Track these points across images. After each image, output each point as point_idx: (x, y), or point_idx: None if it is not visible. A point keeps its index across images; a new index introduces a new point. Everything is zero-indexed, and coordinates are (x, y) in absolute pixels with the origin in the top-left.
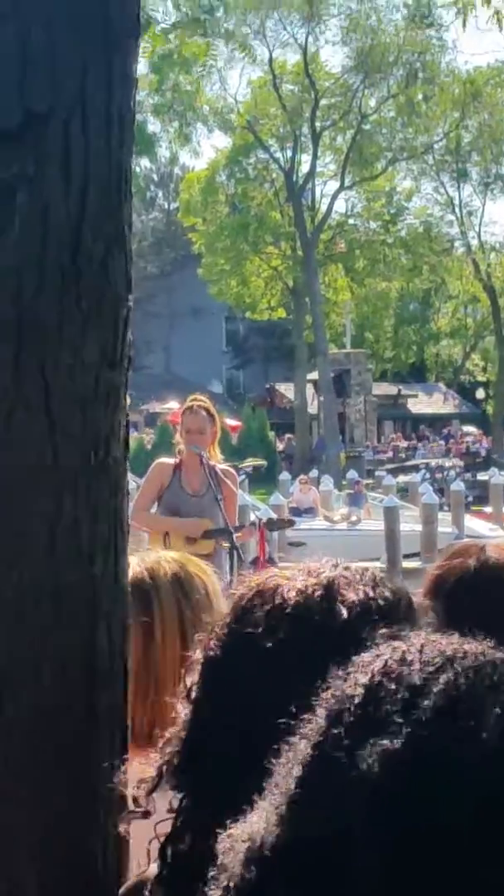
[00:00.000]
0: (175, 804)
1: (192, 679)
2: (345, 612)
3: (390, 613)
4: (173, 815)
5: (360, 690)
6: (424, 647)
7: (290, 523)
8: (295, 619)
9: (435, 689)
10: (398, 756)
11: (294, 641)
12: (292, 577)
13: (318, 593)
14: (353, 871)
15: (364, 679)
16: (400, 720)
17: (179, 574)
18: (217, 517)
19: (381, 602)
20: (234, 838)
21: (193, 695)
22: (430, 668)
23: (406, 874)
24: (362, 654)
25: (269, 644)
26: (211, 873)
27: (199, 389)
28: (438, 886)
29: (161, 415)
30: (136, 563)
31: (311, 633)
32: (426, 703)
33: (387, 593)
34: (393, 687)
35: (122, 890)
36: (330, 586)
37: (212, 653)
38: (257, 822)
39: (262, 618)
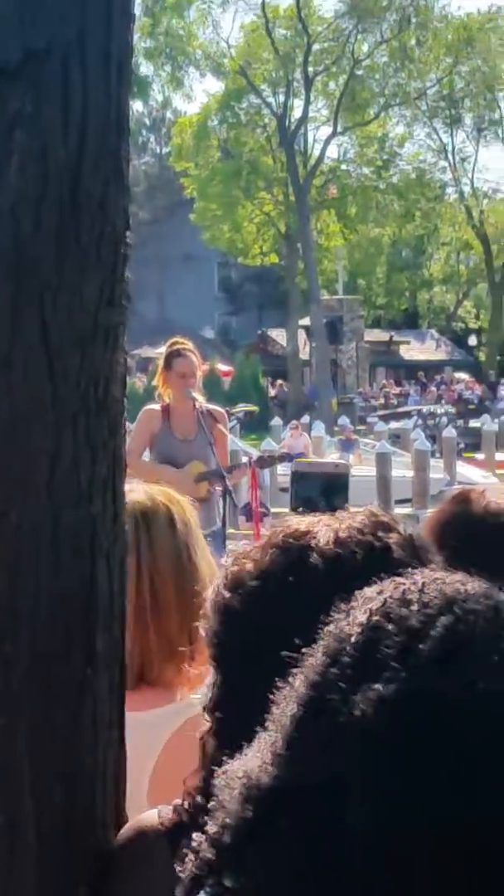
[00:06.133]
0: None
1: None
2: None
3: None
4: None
5: (358, 630)
6: (426, 585)
7: (282, 458)
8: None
9: (433, 633)
10: (392, 702)
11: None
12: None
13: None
14: (346, 816)
15: (363, 618)
16: (396, 665)
17: (144, 505)
18: (209, 460)
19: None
20: (231, 775)
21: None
22: (430, 611)
23: (399, 821)
24: (365, 589)
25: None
26: (209, 805)
27: (191, 335)
28: (431, 833)
29: (154, 360)
30: None
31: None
32: (423, 647)
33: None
34: (391, 628)
35: (120, 834)
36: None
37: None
38: (253, 760)
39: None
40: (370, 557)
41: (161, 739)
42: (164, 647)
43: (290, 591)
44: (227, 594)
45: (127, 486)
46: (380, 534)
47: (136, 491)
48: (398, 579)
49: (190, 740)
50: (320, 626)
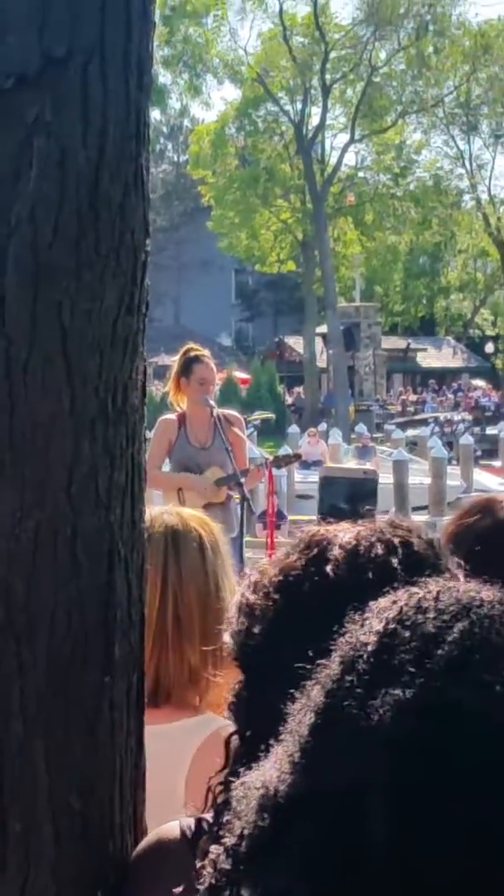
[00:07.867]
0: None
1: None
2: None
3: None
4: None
5: (374, 638)
6: (441, 593)
7: (297, 457)
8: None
9: (449, 639)
10: (410, 707)
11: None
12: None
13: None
14: (366, 823)
15: (379, 626)
16: (413, 670)
17: (176, 528)
18: (227, 465)
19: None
20: (248, 786)
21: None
22: (446, 617)
23: (419, 826)
24: (379, 600)
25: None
26: (225, 818)
27: (208, 342)
28: (451, 839)
29: (170, 367)
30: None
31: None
32: (440, 652)
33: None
34: (407, 635)
35: (140, 846)
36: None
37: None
38: (271, 770)
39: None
40: (390, 550)
41: (185, 751)
42: (184, 671)
43: (311, 584)
44: (250, 595)
45: (161, 508)
46: (399, 531)
47: (169, 513)
48: (412, 589)
49: (219, 752)
50: (340, 621)
